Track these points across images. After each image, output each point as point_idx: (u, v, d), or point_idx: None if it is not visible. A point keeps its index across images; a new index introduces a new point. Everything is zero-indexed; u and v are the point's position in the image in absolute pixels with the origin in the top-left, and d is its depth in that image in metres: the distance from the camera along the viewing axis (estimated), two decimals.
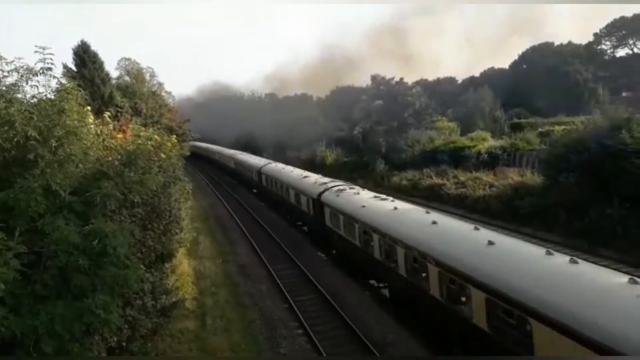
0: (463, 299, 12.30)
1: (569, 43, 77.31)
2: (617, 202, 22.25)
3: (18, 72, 9.38)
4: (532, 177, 29.95)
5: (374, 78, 54.72)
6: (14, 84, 9.46)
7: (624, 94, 71.49)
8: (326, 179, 27.51)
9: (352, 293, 19.28)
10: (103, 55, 31.19)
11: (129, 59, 48.17)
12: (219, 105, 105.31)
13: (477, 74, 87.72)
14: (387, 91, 51.08)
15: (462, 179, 35.05)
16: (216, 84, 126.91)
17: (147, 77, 48.92)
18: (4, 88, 9.40)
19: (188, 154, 39.24)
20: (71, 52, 30.26)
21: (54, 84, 9.90)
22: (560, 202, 24.92)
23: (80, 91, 10.40)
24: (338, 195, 22.76)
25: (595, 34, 78.95)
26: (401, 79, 52.00)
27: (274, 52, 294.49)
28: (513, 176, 31.62)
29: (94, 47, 30.21)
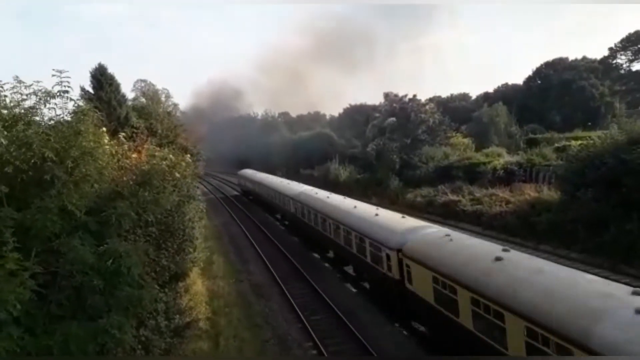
0: None
1: (584, 58, 76.82)
2: (637, 217, 21.76)
3: (36, 95, 9.61)
4: (549, 193, 29.50)
5: (386, 95, 54.87)
6: (32, 107, 9.69)
7: None
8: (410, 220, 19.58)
9: None
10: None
11: (144, 81, 49.20)
12: (232, 125, 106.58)
13: (490, 90, 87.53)
14: (400, 108, 51.15)
15: (477, 195, 34.66)
16: (211, 84, 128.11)
17: (163, 98, 49.79)
18: (22, 111, 9.62)
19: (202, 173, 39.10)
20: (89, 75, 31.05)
21: (70, 106, 10.12)
22: (579, 218, 24.43)
23: (96, 112, 10.60)
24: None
25: (610, 48, 78.32)
26: (414, 95, 52.15)
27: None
28: (530, 192, 31.18)
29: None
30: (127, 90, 45.50)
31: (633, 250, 21.15)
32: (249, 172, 58.43)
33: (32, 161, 8.76)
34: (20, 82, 9.50)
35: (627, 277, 19.79)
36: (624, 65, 78.72)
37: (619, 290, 9.55)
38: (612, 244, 22.09)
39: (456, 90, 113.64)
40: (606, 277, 13.42)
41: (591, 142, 27.18)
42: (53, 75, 9.56)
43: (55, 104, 9.80)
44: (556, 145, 40.30)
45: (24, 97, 9.63)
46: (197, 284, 21.08)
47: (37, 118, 9.82)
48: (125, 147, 12.86)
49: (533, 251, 23.10)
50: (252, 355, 14.78)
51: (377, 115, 55.00)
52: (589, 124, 61.30)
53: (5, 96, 9.49)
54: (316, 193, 30.84)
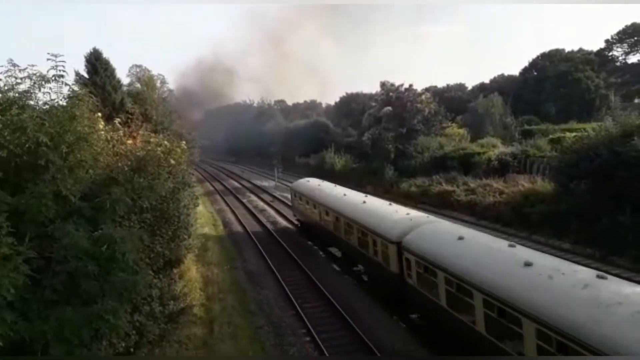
0: None
1: (580, 49, 76.70)
2: (630, 209, 21.94)
3: (31, 79, 9.50)
4: (543, 184, 29.66)
5: (383, 84, 54.66)
6: (27, 91, 9.58)
7: (636, 100, 70.72)
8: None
9: None
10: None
11: (139, 66, 48.58)
12: (228, 112, 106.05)
13: (486, 80, 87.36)
14: (396, 97, 51.02)
15: (472, 185, 34.81)
16: (202, 64, 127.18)
17: (158, 84, 49.22)
18: (17, 95, 9.51)
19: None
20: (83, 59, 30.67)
21: (65, 90, 10.01)
22: (572, 210, 24.62)
23: (91, 97, 10.50)
24: None
25: (607, 40, 78.25)
26: (410, 85, 51.98)
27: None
28: (523, 183, 31.34)
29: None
30: (122, 75, 44.96)
31: (625, 242, 21.37)
32: (333, 192, 26.13)
33: (27, 146, 8.67)
34: (14, 65, 9.38)
35: (618, 268, 20.01)
36: (620, 58, 78.79)
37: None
38: (604, 235, 22.30)
39: (452, 80, 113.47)
40: (597, 269, 13.55)
41: (585, 134, 27.27)
42: (48, 59, 9.46)
43: (50, 88, 9.70)
44: (551, 136, 40.40)
45: (18, 80, 9.51)
46: (191, 270, 21.13)
47: (32, 102, 9.72)
48: (121, 132, 12.79)
49: (526, 241, 23.30)
50: (252, 355, 14.86)
51: (373, 104, 54.84)
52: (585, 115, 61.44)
53: None
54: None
